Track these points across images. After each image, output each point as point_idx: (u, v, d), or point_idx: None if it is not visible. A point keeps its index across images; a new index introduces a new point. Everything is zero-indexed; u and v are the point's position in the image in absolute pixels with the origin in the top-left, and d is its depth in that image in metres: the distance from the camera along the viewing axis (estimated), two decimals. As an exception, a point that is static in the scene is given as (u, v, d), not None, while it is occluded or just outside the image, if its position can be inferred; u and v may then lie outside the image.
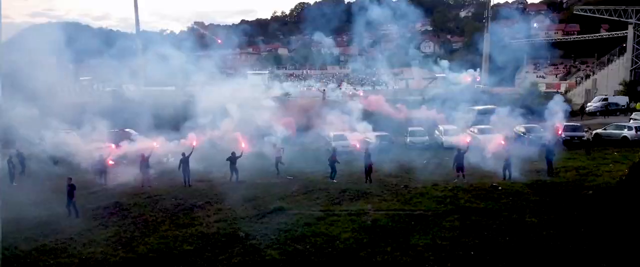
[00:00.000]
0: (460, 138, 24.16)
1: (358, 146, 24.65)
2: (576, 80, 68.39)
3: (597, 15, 57.69)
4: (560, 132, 25.87)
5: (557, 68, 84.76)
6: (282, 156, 23.25)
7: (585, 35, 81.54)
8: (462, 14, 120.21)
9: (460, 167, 20.93)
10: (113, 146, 23.54)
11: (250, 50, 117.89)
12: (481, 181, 20.26)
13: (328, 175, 21.75)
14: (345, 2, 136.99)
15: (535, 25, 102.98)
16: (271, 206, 17.44)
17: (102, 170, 22.12)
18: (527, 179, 20.65)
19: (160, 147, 24.75)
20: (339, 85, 61.91)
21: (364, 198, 18.41)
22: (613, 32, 72.99)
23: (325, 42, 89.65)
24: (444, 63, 78.71)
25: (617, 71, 55.88)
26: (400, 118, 36.33)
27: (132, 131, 32.66)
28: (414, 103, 42.71)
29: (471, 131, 29.48)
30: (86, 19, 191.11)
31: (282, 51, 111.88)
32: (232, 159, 21.66)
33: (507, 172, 20.75)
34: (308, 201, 18.17)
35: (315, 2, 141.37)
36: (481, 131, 28.44)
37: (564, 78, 78.97)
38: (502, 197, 18.02)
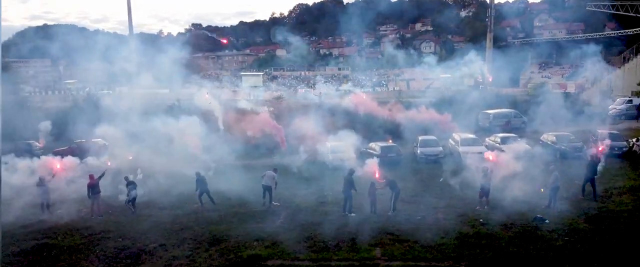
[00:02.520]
0: (485, 157, 18.43)
1: (377, 174, 16.20)
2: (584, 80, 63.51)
3: (612, 12, 52.77)
4: (602, 145, 20.84)
5: (563, 68, 79.83)
6: (273, 184, 16.99)
7: (592, 34, 76.57)
8: (463, 13, 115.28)
9: (485, 193, 16.03)
10: (57, 163, 18.49)
11: (248, 51, 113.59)
12: (519, 211, 15.28)
13: (342, 207, 15.82)
14: (344, 3, 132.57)
15: (538, 24, 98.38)
16: (245, 251, 12.55)
17: (43, 196, 17.09)
18: (577, 208, 15.72)
19: (120, 164, 19.80)
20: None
21: (370, 236, 13.52)
22: (620, 31, 68.15)
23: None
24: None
25: (634, 70, 50.97)
26: (395, 122, 30.81)
27: (102, 141, 27.78)
28: (418, 105, 37.58)
29: (492, 141, 24.49)
30: (85, 21, 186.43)
31: (280, 52, 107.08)
32: (202, 181, 16.76)
33: (552, 197, 15.80)
34: (296, 241, 13.22)
35: (314, 3, 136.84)
36: (505, 141, 23.41)
37: (570, 78, 74.05)
38: (555, 237, 13.13)
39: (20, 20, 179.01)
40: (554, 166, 16.36)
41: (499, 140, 23.89)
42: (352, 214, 15.41)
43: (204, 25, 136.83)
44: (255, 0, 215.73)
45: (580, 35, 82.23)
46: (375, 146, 23.60)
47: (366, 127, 29.09)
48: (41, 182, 17.10)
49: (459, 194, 17.64)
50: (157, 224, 15.16)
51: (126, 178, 16.66)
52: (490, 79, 56.08)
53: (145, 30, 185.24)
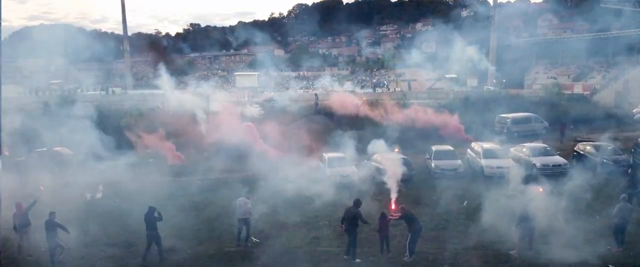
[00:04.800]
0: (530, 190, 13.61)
1: (393, 207, 12.59)
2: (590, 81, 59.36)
3: (627, 8, 48.66)
4: None
5: (569, 68, 75.70)
6: (250, 216, 12.68)
7: (599, 33, 72.21)
8: (464, 13, 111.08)
9: (529, 234, 11.82)
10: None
11: (246, 51, 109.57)
12: (579, 256, 11.13)
13: (345, 249, 11.72)
14: (344, 3, 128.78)
15: (541, 23, 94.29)
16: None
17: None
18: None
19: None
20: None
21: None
22: (629, 30, 63.79)
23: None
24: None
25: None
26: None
27: (66, 151, 23.73)
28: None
29: (520, 152, 20.27)
30: (84, 22, 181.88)
31: (279, 52, 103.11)
32: (149, 221, 11.70)
33: (619, 236, 11.68)
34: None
35: (314, 3, 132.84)
36: (536, 152, 19.25)
37: (577, 79, 69.80)
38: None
39: (19, 21, 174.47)
40: (625, 194, 12.14)
41: (527, 151, 19.71)
42: (357, 260, 11.32)
43: (203, 25, 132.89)
44: (255, 1, 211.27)
45: (587, 34, 77.79)
46: (381, 158, 19.34)
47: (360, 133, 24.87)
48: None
49: (491, 223, 13.38)
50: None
51: (52, 214, 11.94)
52: (504, 81, 51.95)
53: (144, 31, 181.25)
